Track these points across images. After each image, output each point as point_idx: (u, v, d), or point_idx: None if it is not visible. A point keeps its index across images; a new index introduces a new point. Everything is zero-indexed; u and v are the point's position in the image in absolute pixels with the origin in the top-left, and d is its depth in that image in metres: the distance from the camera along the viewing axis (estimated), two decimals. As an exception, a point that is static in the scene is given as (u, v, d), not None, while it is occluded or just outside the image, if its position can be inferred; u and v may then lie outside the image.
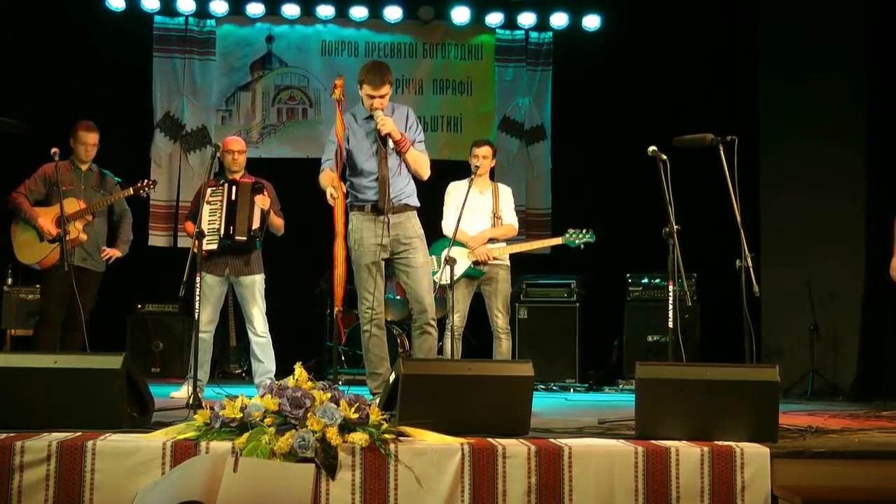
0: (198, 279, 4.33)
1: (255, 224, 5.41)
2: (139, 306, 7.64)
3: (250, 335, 5.54)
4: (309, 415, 3.04)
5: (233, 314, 7.42)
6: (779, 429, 3.41)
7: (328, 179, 4.70)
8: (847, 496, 3.15)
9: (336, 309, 4.83)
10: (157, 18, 8.25)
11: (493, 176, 6.10)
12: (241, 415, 3.09)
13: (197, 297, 4.32)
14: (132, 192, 5.64)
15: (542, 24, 8.42)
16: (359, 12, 8.33)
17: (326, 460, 3.01)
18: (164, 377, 7.07)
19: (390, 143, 4.70)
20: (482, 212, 5.82)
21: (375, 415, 3.16)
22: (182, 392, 5.33)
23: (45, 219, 5.47)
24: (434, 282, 5.12)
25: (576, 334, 7.21)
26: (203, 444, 3.05)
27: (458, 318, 5.61)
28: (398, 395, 3.33)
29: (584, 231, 5.95)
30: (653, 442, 3.26)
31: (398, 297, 7.28)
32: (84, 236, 5.52)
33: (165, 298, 7.55)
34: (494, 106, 8.53)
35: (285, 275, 6.55)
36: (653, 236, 4.40)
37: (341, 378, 6.01)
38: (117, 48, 7.93)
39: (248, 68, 8.41)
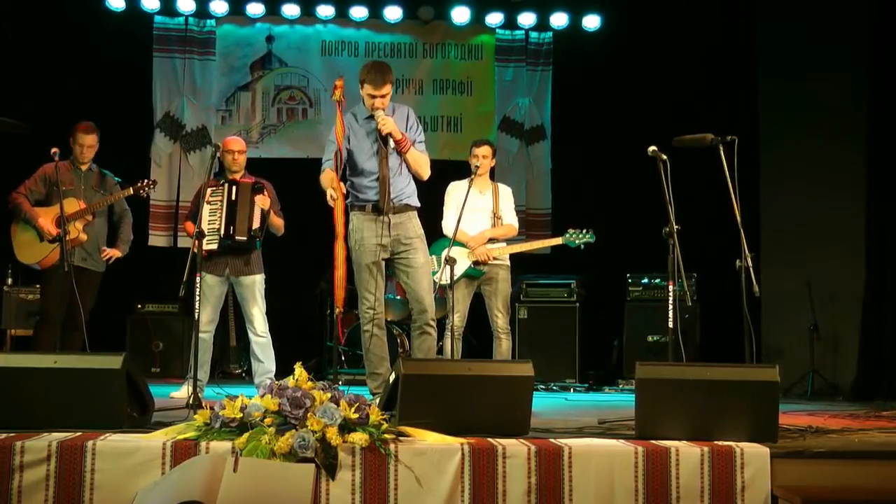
0: (198, 279, 4.32)
1: (256, 224, 5.41)
2: (139, 306, 7.64)
3: (250, 335, 5.54)
4: (309, 415, 3.04)
5: (233, 314, 7.42)
6: (779, 429, 3.40)
7: (329, 180, 4.70)
8: (847, 496, 3.15)
9: (337, 310, 4.83)
10: (157, 18, 8.25)
11: (493, 176, 6.10)
12: (241, 415, 3.09)
13: (197, 297, 4.32)
14: (132, 192, 5.64)
15: (542, 24, 8.42)
16: (359, 12, 8.33)
17: (326, 460, 3.01)
18: (164, 377, 7.07)
19: (391, 143, 4.70)
20: (482, 212, 5.82)
21: (375, 415, 3.15)
22: (182, 392, 5.32)
23: (46, 219, 5.47)
24: (434, 282, 5.12)
25: (576, 334, 7.21)
26: (203, 444, 3.05)
27: (458, 318, 5.60)
28: (398, 395, 3.33)
29: (584, 231, 5.95)
30: (653, 442, 3.26)
31: (398, 297, 7.28)
32: (84, 236, 5.52)
33: (165, 298, 7.55)
34: (494, 106, 8.53)
35: (285, 275, 6.55)
36: (653, 236, 4.39)
37: (341, 378, 6.00)
38: (117, 48, 7.92)
39: (248, 68, 8.41)
